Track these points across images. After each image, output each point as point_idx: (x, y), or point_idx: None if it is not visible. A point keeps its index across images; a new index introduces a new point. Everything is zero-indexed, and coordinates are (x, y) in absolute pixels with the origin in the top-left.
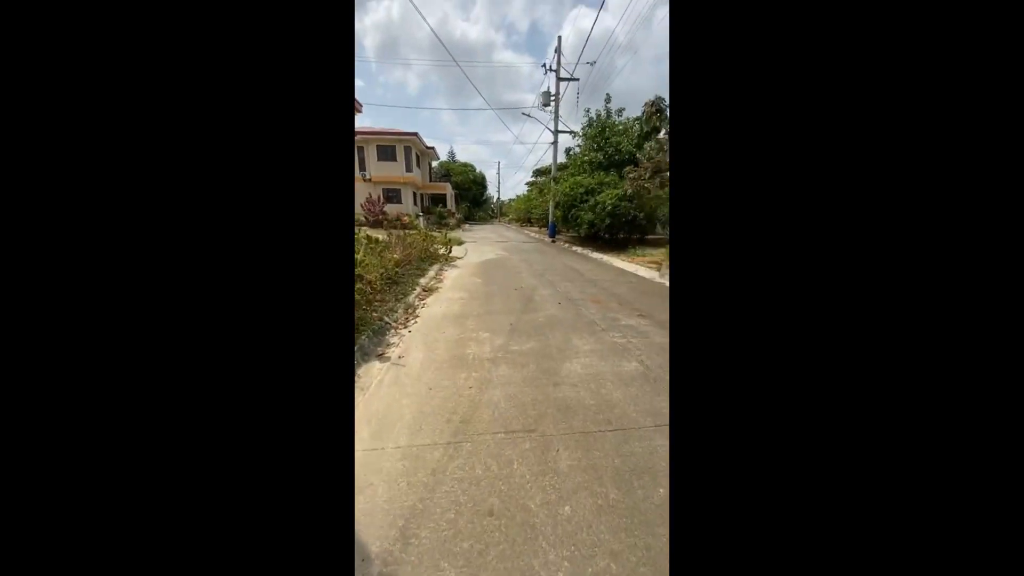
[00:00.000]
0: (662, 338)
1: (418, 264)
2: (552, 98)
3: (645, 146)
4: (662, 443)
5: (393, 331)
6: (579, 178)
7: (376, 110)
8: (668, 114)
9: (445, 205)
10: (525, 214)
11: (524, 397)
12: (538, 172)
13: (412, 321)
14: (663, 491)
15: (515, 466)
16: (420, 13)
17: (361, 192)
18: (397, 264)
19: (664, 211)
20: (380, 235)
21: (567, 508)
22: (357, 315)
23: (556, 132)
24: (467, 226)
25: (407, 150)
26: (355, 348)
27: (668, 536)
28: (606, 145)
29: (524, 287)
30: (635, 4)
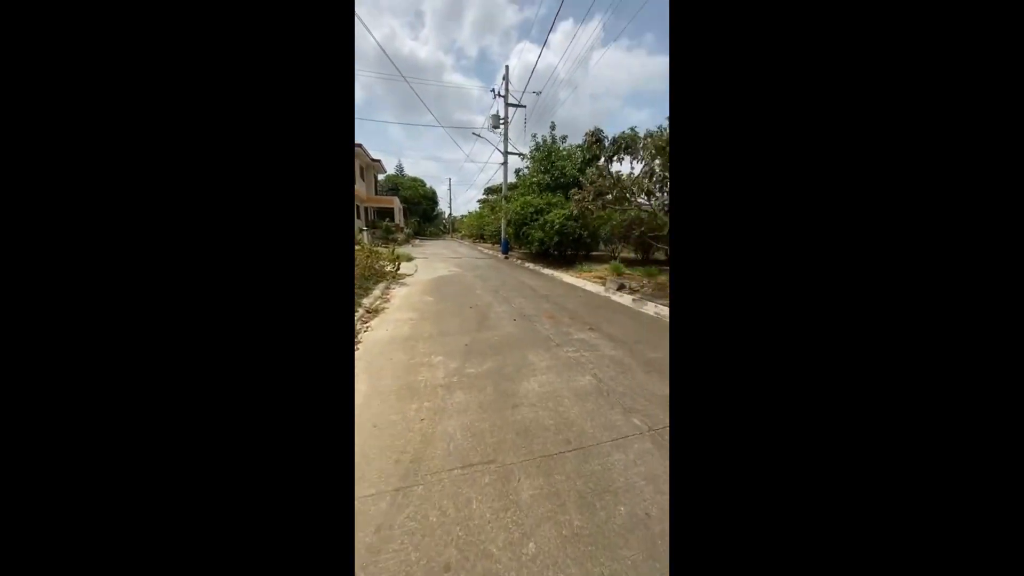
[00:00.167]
0: (611, 350)
1: (361, 283)
2: (501, 121)
3: (587, 171)
4: (619, 457)
5: None
6: (529, 198)
7: None
8: (606, 144)
9: (393, 219)
10: (478, 230)
11: (482, 424)
12: (489, 190)
13: (354, 348)
14: (623, 509)
15: (474, 505)
16: (365, 26)
17: None
18: None
19: (605, 230)
20: None
21: (531, 545)
22: None
23: (506, 153)
24: (417, 241)
25: None
26: None
27: (631, 558)
28: (552, 168)
29: (479, 304)
30: (574, 47)
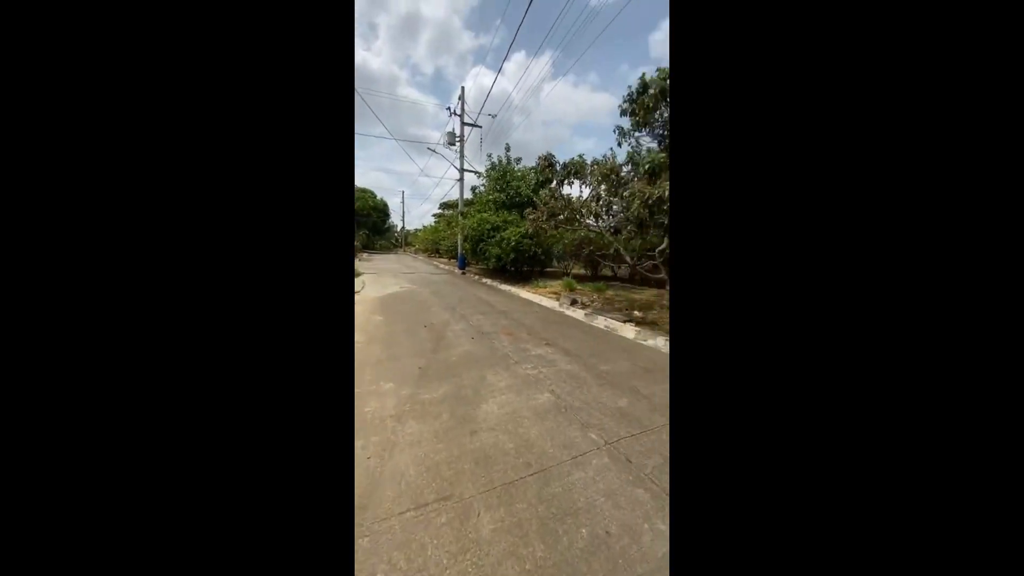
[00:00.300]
0: (567, 365)
1: None
2: (457, 139)
3: (541, 192)
4: (579, 476)
5: None
6: (485, 215)
7: None
8: (557, 168)
9: None
10: (433, 245)
11: (437, 456)
12: (445, 205)
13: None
14: (585, 531)
15: (429, 552)
16: None
17: None
18: None
19: (558, 248)
20: None
21: None
22: None
23: (462, 170)
24: (366, 255)
25: None
26: None
27: None
28: (507, 188)
29: (435, 323)
30: (527, 78)
